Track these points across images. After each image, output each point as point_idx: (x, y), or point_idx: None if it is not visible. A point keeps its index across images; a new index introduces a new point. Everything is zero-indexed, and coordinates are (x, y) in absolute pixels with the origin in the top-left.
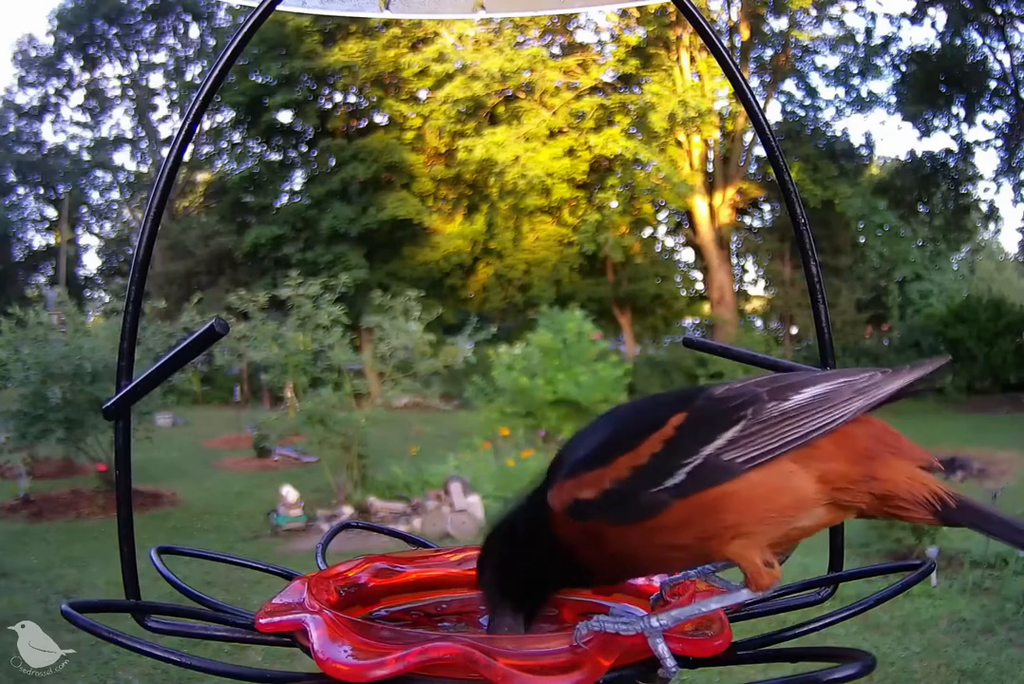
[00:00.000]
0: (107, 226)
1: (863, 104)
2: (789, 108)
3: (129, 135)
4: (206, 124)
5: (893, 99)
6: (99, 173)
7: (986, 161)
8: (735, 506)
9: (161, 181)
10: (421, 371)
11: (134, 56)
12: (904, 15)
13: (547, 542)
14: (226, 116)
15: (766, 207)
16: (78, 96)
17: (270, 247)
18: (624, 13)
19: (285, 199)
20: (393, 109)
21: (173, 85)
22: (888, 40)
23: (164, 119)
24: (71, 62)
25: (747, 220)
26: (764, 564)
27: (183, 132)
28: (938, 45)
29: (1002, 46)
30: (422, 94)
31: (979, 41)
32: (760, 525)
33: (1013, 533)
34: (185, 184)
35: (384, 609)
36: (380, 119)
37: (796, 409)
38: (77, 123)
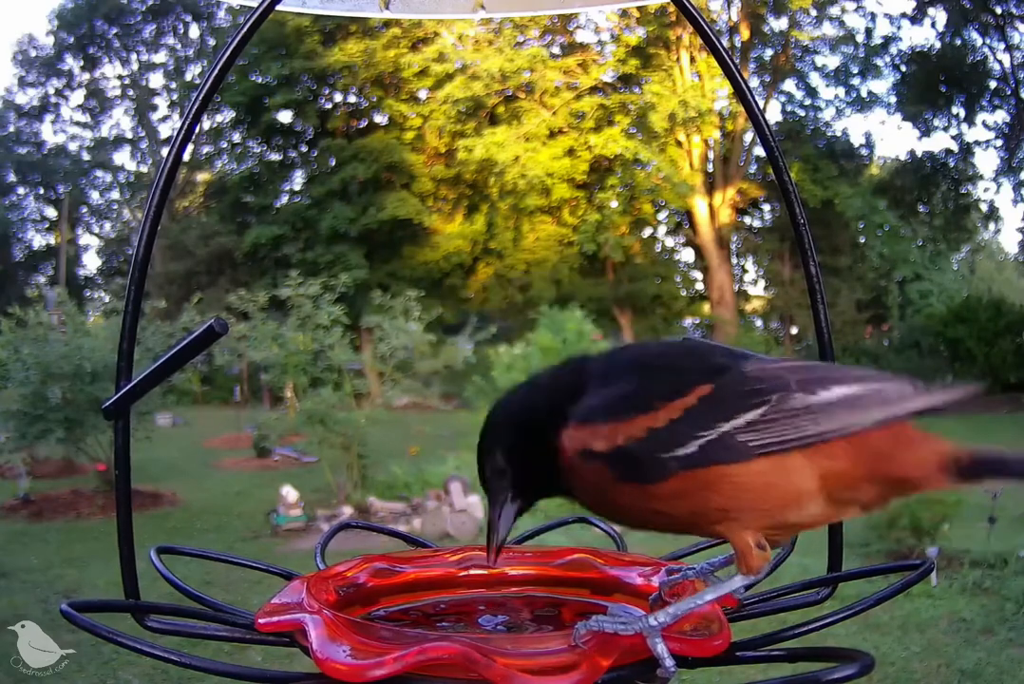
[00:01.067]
0: (107, 226)
1: (863, 104)
2: (789, 108)
3: (129, 135)
4: (206, 124)
5: (893, 99)
6: (99, 173)
7: (986, 161)
8: (731, 490)
9: (161, 181)
10: (421, 371)
11: (134, 56)
12: (904, 15)
13: (552, 451)
14: (226, 116)
15: (766, 207)
16: (78, 96)
17: (270, 247)
18: (624, 13)
19: (285, 199)
20: (393, 109)
21: (173, 85)
22: (888, 40)
23: (164, 119)
24: (71, 62)
25: (747, 220)
26: (756, 546)
27: (183, 132)
28: (938, 45)
29: (1002, 46)
30: (422, 94)
31: (979, 41)
32: (750, 512)
33: None
34: (185, 184)
35: (383, 609)
36: (380, 119)
37: (820, 406)
38: (77, 123)
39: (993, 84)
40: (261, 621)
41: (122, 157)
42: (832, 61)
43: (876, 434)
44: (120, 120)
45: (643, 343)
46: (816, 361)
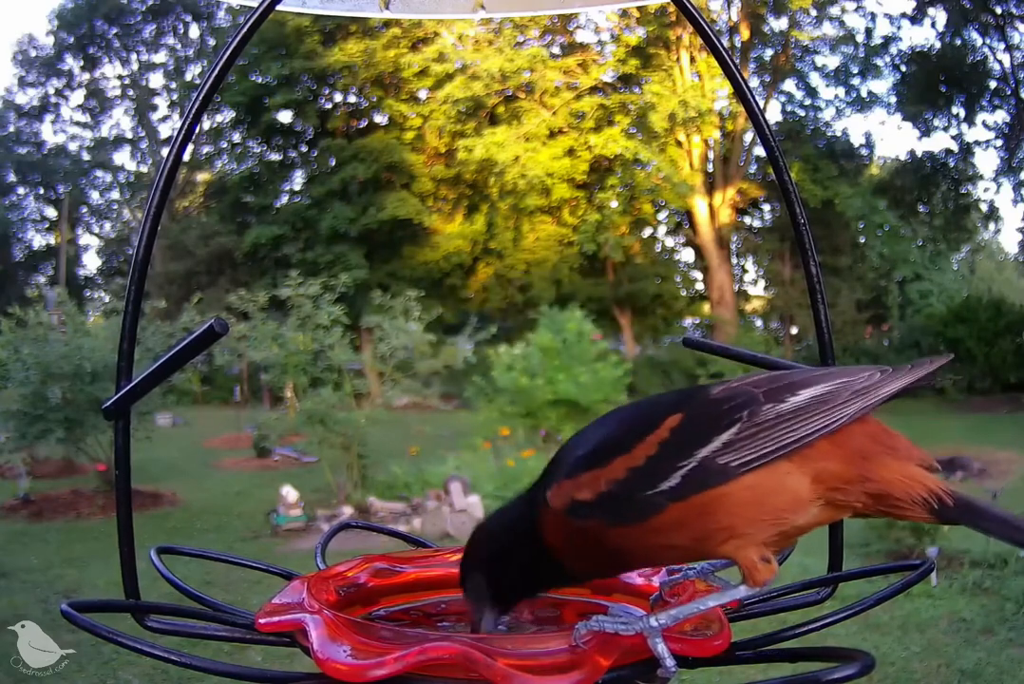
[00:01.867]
0: (107, 226)
1: (863, 104)
2: (789, 108)
3: (129, 135)
4: (206, 124)
5: (893, 99)
6: (99, 173)
7: (986, 161)
8: (729, 508)
9: (161, 181)
10: (421, 371)
11: (134, 56)
12: (904, 15)
13: (534, 542)
14: (226, 116)
15: (766, 207)
16: (78, 96)
17: (270, 247)
18: (624, 13)
19: (285, 199)
20: (393, 109)
21: (173, 85)
22: (888, 40)
23: (164, 119)
24: (71, 62)
25: (747, 220)
26: (761, 559)
27: (183, 132)
28: (938, 45)
29: (1002, 46)
30: (422, 94)
31: (979, 41)
32: (754, 526)
33: (1011, 531)
34: (185, 184)
35: (383, 609)
36: (380, 119)
37: (792, 412)
38: (77, 123)
39: (993, 84)
40: (261, 621)
41: (122, 157)
42: (832, 61)
43: (856, 432)
44: (120, 120)
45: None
46: (783, 371)
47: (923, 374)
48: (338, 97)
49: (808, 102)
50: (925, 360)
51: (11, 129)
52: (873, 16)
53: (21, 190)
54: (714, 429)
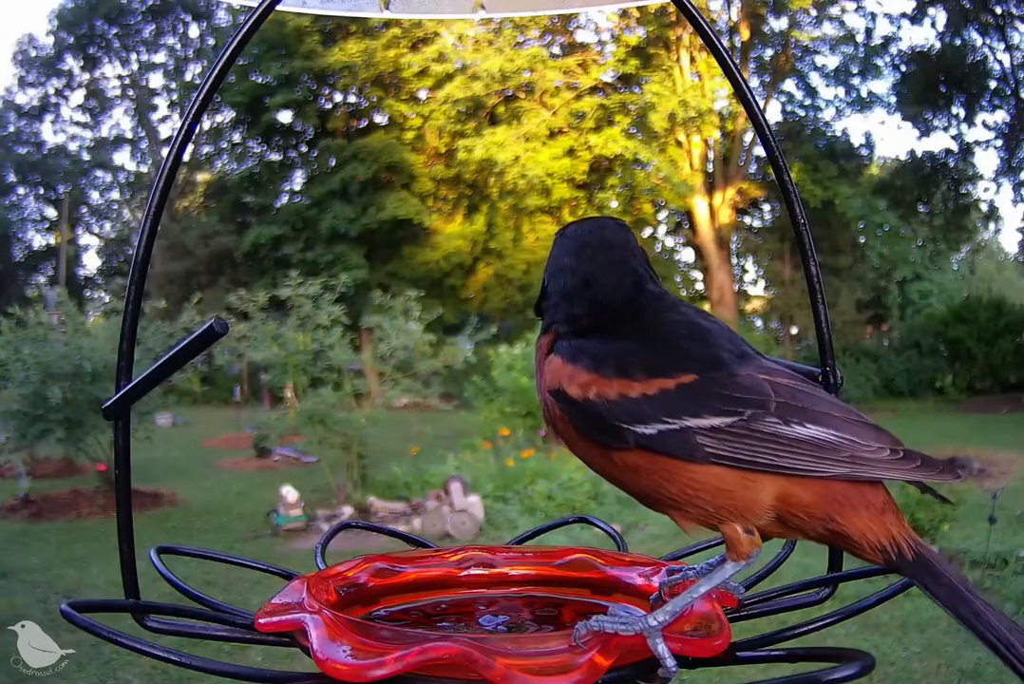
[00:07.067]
0: (107, 226)
1: (863, 104)
2: (789, 108)
3: (129, 135)
4: (206, 124)
5: (893, 99)
6: (99, 173)
7: (986, 161)
8: (684, 483)
9: (161, 181)
10: (421, 371)
11: (134, 56)
12: (904, 15)
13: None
14: (226, 116)
15: (766, 207)
16: (78, 96)
17: (270, 247)
18: (624, 13)
19: (285, 199)
20: (393, 109)
21: (173, 85)
22: (888, 40)
23: (164, 119)
24: (71, 62)
25: (747, 220)
26: (744, 532)
27: (183, 132)
28: (938, 45)
29: (1002, 46)
30: (422, 94)
31: (979, 41)
32: (697, 509)
33: (956, 601)
34: (185, 184)
35: (383, 609)
36: (380, 119)
37: (787, 441)
38: (77, 123)
39: (993, 84)
40: (261, 621)
41: (122, 157)
42: (832, 61)
43: (844, 483)
44: (120, 120)
45: (683, 309)
46: (811, 383)
47: (922, 476)
48: (338, 97)
49: (808, 102)
50: (938, 463)
51: (11, 129)
52: (873, 16)
53: (21, 190)
54: (713, 409)
